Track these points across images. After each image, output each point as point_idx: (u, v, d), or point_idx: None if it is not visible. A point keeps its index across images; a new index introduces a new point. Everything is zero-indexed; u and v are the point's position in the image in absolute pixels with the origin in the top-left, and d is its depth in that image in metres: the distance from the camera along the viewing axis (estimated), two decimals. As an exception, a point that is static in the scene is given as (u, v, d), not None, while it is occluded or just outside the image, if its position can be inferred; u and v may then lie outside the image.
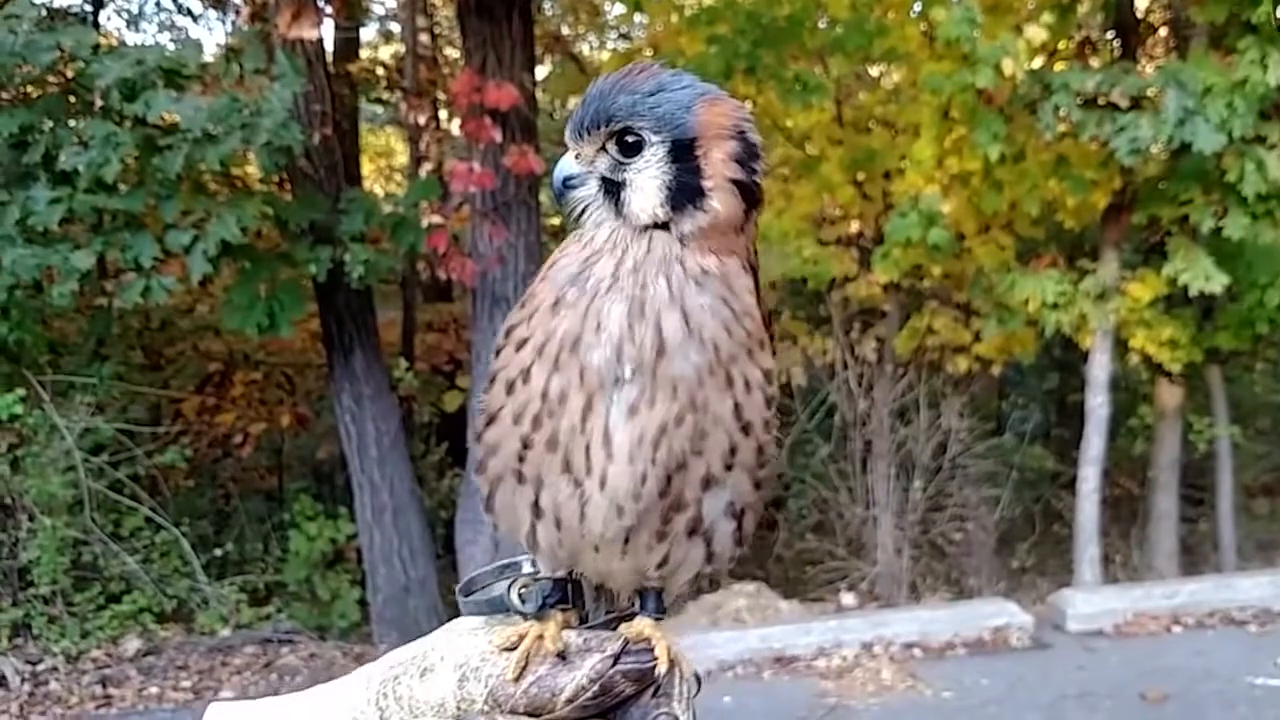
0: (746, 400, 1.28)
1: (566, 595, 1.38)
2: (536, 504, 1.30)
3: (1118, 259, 11.56)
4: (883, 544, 12.55)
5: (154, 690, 9.42)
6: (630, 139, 1.29)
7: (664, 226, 1.27)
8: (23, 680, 9.39)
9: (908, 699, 8.43)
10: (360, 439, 11.18)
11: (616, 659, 1.24)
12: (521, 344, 1.29)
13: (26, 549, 9.98)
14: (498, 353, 1.33)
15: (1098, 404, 11.78)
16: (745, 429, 1.28)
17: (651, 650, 1.26)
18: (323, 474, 15.06)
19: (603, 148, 1.31)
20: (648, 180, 1.28)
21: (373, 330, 11.51)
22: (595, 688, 1.23)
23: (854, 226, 13.67)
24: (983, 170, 10.72)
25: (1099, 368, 11.70)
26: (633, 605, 1.40)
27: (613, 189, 1.30)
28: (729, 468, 1.29)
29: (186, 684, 9.57)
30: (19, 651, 9.78)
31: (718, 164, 1.28)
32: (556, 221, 14.80)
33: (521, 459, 1.29)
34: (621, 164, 1.30)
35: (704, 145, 1.28)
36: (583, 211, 1.33)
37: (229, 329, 11.13)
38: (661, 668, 1.26)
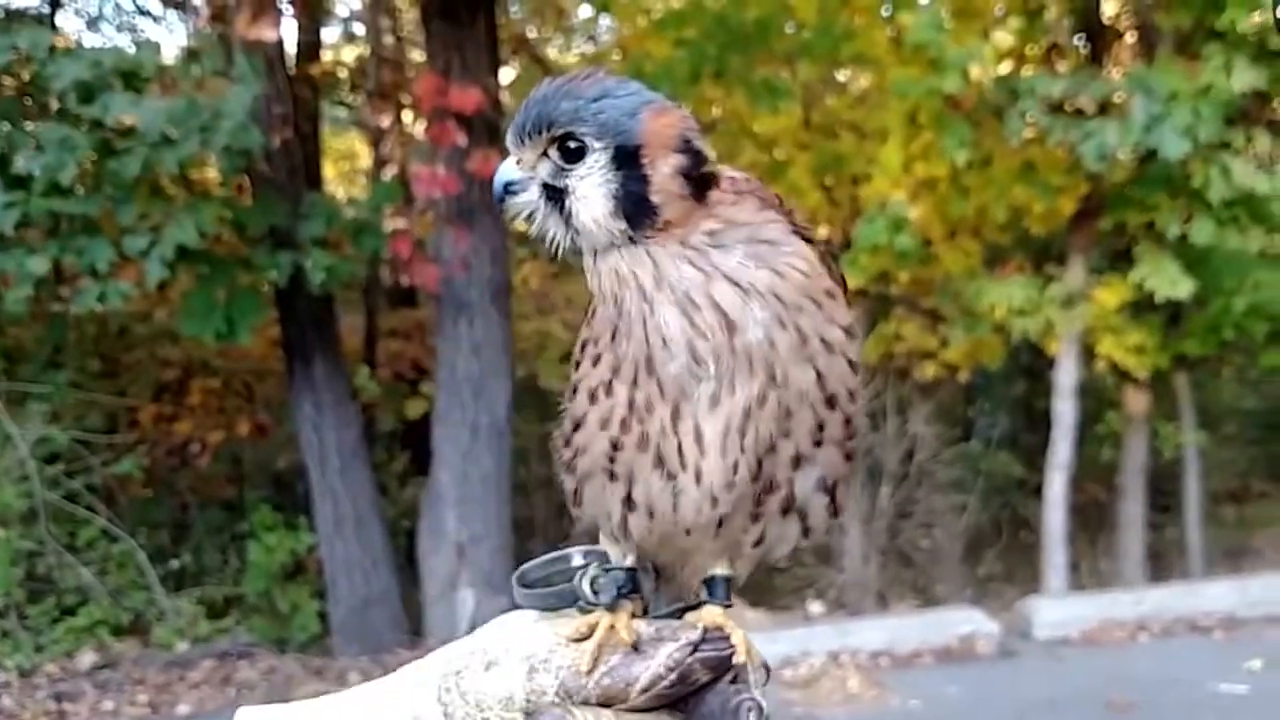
0: (829, 367, 1.27)
1: (637, 586, 1.38)
2: (629, 498, 1.32)
3: (1085, 265, 11.59)
4: (850, 552, 12.51)
5: (109, 705, 9.27)
6: (572, 145, 1.27)
7: (631, 239, 1.25)
8: (-25, 695, 9.21)
9: (875, 708, 8.40)
10: (321, 448, 11.03)
11: (695, 647, 1.25)
12: (597, 359, 1.30)
13: (-21, 561, 9.80)
14: (577, 365, 1.34)
15: (1065, 410, 11.79)
16: (830, 402, 1.28)
17: (728, 639, 1.28)
18: (283, 484, 14.85)
19: (544, 153, 1.29)
20: (591, 188, 1.26)
21: (334, 337, 11.39)
22: (673, 676, 1.24)
23: (822, 232, 13.64)
24: (950, 176, 10.73)
25: (1066, 374, 11.72)
26: (698, 595, 1.40)
27: (555, 196, 1.28)
28: (818, 444, 1.29)
29: (143, 699, 9.42)
30: (-29, 666, 9.60)
31: (665, 179, 1.25)
32: (523, 227, 14.71)
33: (612, 459, 1.31)
34: (563, 170, 1.28)
35: (650, 155, 1.25)
36: (527, 218, 1.32)
37: (187, 335, 10.93)
38: (740, 656, 1.27)
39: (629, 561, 1.38)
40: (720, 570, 1.38)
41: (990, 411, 17.93)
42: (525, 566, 1.49)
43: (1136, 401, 13.03)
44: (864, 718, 8.29)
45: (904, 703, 8.45)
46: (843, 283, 1.33)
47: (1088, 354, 12.02)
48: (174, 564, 11.50)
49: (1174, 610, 10.01)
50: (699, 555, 1.37)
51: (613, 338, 1.27)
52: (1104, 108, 10.06)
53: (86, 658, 9.91)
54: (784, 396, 1.24)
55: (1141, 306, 11.72)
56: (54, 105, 9.11)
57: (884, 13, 11.82)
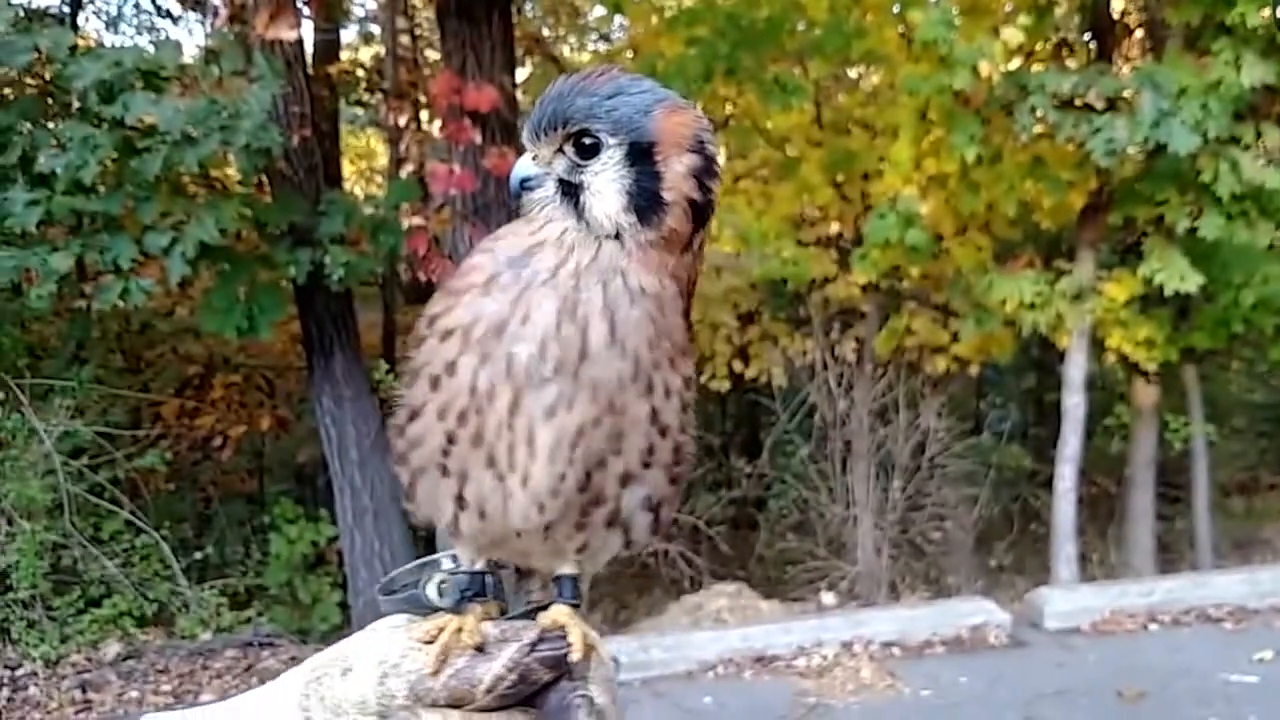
0: (664, 405, 1.30)
1: (484, 589, 1.39)
2: (460, 496, 1.32)
3: (1094, 259, 11.64)
4: (862, 544, 12.58)
5: (134, 695, 9.36)
6: (587, 141, 1.29)
7: (615, 236, 1.28)
8: (1, 685, 9.33)
9: (887, 697, 8.45)
10: (341, 441, 11.14)
11: (533, 647, 1.27)
12: (446, 334, 1.29)
13: (5, 553, 9.91)
14: (419, 344, 1.32)
15: (1074, 403, 11.84)
16: (663, 431, 1.31)
17: (566, 637, 1.29)
18: (303, 477, 15.00)
19: (560, 149, 1.31)
20: (606, 183, 1.28)
21: (353, 332, 11.47)
22: (513, 676, 1.25)
23: (833, 227, 13.72)
24: (960, 171, 10.77)
25: (1075, 367, 11.76)
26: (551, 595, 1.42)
27: (571, 191, 1.30)
28: (646, 465, 1.31)
29: (167, 688, 9.51)
30: (-3, 656, 9.73)
31: (677, 177, 1.28)
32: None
33: (446, 453, 1.31)
34: (579, 166, 1.30)
35: (663, 152, 1.28)
36: (540, 211, 1.33)
37: (208, 331, 11.06)
38: (576, 654, 1.28)
39: (479, 565, 1.40)
40: (568, 569, 1.40)
41: (1000, 405, 18.01)
42: (395, 573, 1.51)
43: (1146, 394, 13.07)
44: (876, 707, 8.33)
45: (916, 692, 8.49)
46: (692, 331, 1.38)
47: (1097, 347, 12.06)
48: (197, 556, 11.60)
49: (1184, 601, 10.02)
50: (535, 558, 1.41)
51: (488, 282, 1.28)
52: (1113, 103, 10.08)
53: (111, 648, 10.01)
54: (619, 423, 1.27)
55: (1151, 300, 11.78)
56: (75, 104, 9.14)
57: (894, 10, 11.88)
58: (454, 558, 1.45)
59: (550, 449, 1.26)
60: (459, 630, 1.29)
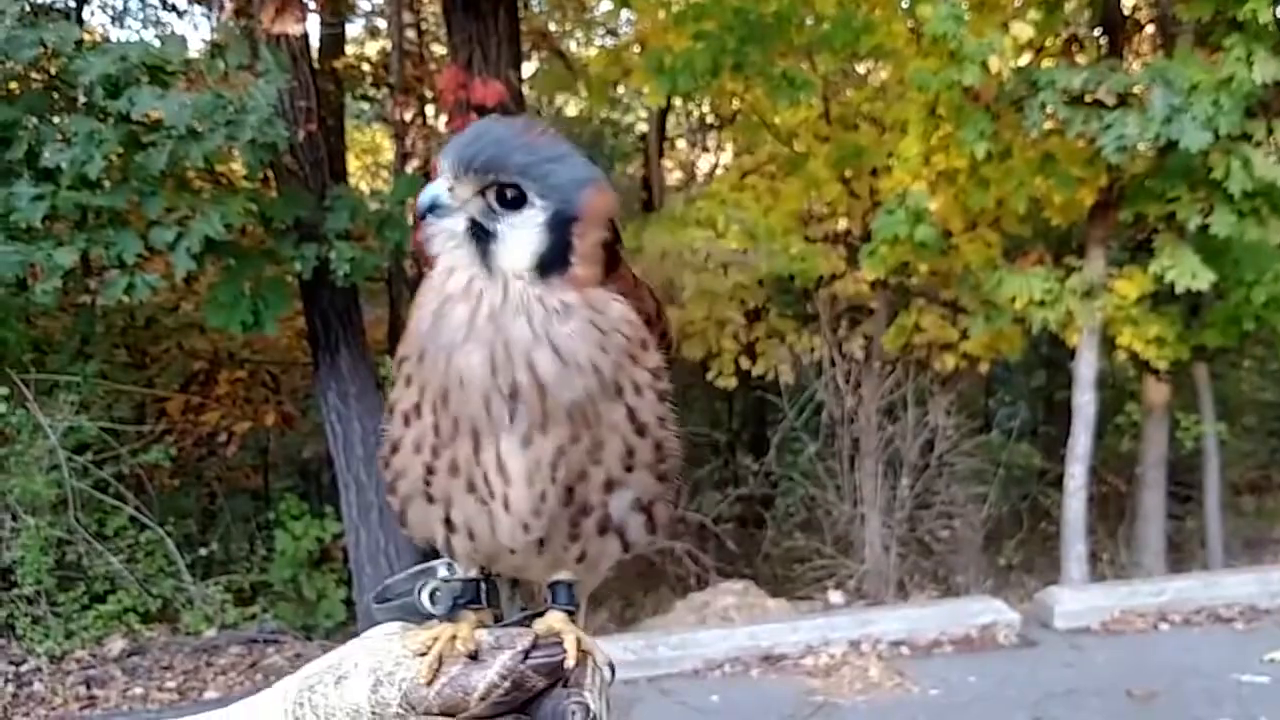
0: (639, 403, 1.31)
1: (479, 596, 1.40)
2: (448, 519, 1.34)
3: (1104, 256, 11.58)
4: (870, 542, 12.55)
5: (139, 691, 9.37)
6: (511, 194, 1.29)
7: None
8: (6, 681, 9.33)
9: (895, 697, 8.42)
10: (346, 437, 11.12)
11: (527, 654, 1.26)
12: (409, 380, 1.31)
13: (10, 549, 9.92)
14: (394, 383, 1.35)
15: (1085, 401, 11.78)
16: (640, 431, 1.31)
17: (561, 644, 1.28)
18: (308, 473, 15.01)
19: (481, 192, 1.30)
20: (519, 239, 1.28)
21: (359, 328, 11.46)
22: (507, 684, 1.25)
23: (841, 224, 13.68)
24: (969, 167, 10.73)
25: (1086, 365, 11.71)
26: (546, 601, 1.41)
27: (480, 235, 1.30)
28: (629, 469, 1.32)
29: (171, 684, 9.51)
30: (2, 652, 9.71)
31: (590, 247, 1.29)
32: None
33: (428, 482, 1.33)
34: (494, 213, 1.29)
35: (583, 229, 1.28)
36: (442, 242, 1.32)
37: (213, 327, 11.04)
38: (570, 661, 1.27)
39: (472, 573, 1.40)
40: (564, 575, 1.39)
41: (1010, 403, 17.97)
42: (389, 581, 1.50)
43: (1156, 392, 13.02)
44: (884, 706, 8.30)
45: (924, 691, 8.46)
46: (659, 315, 1.39)
47: (1108, 345, 12.02)
48: (202, 552, 11.63)
49: (1195, 601, 9.98)
50: (532, 570, 1.41)
51: (420, 358, 1.29)
52: (1124, 99, 10.03)
53: (116, 644, 10.01)
54: (596, 433, 1.28)
55: (1161, 298, 11.72)
56: (81, 99, 9.14)
57: (903, 5, 11.84)
58: (450, 565, 1.45)
59: (527, 475, 1.27)
60: (452, 638, 1.28)
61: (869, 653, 9.16)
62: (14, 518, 9.97)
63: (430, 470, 1.31)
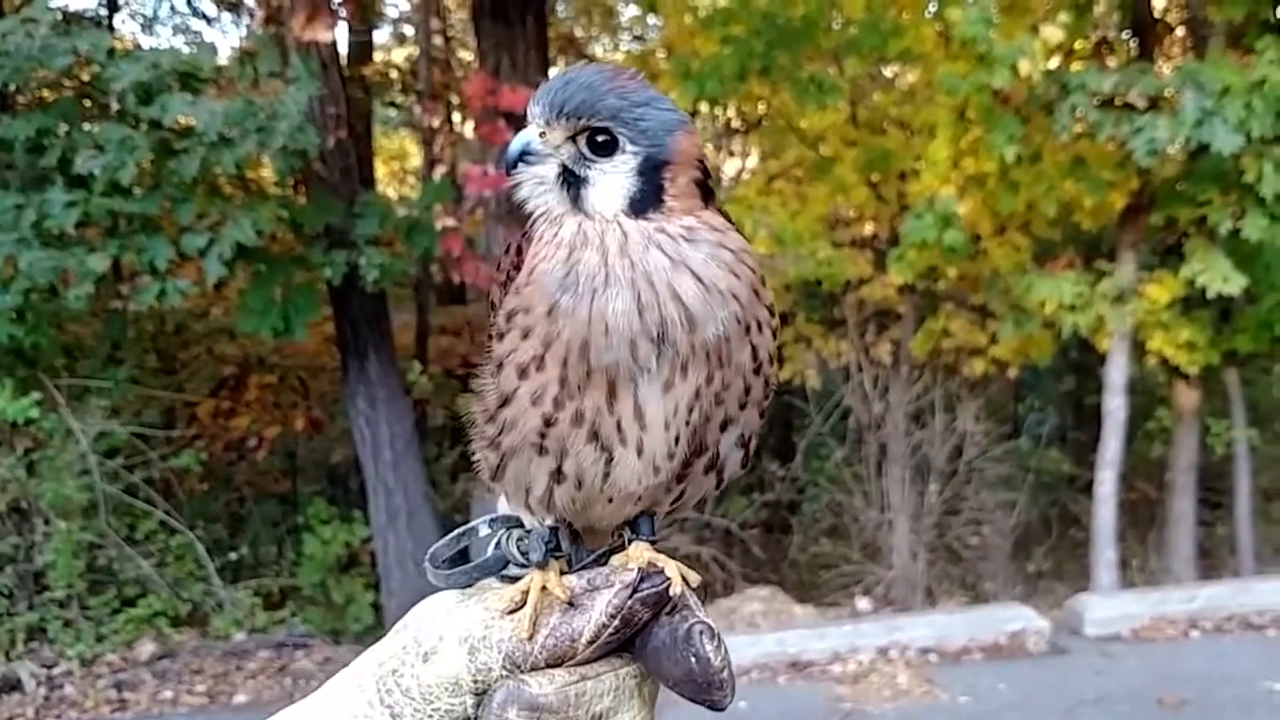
0: (760, 340, 1.30)
1: (559, 543, 1.37)
2: (559, 470, 1.30)
3: (1135, 260, 11.50)
4: (898, 548, 12.50)
5: (169, 694, 9.43)
6: (603, 139, 1.28)
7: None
8: (38, 684, 9.40)
9: (924, 704, 8.39)
10: (374, 442, 11.17)
11: (634, 589, 1.24)
12: (527, 333, 1.26)
13: (42, 553, 10.00)
14: (501, 336, 1.30)
15: (1115, 407, 11.71)
16: (757, 370, 1.31)
17: (663, 573, 1.27)
18: (337, 477, 15.06)
19: (572, 138, 1.29)
20: (611, 184, 1.27)
21: (387, 334, 11.51)
22: (616, 622, 1.23)
23: (869, 228, 13.64)
24: (999, 171, 10.67)
25: (1116, 370, 11.64)
26: (620, 536, 1.39)
27: (570, 181, 1.29)
28: (743, 406, 1.32)
29: (201, 688, 9.56)
30: (34, 655, 9.79)
31: (681, 187, 1.28)
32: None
33: (543, 435, 1.28)
34: (587, 160, 1.29)
35: (674, 173, 1.28)
36: (531, 189, 1.31)
37: (243, 332, 11.12)
38: (677, 587, 1.26)
39: (549, 521, 1.37)
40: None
41: (1039, 408, 17.80)
42: (434, 547, 1.46)
43: (1187, 398, 12.92)
44: (913, 713, 8.28)
45: (953, 699, 8.44)
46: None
47: (1138, 350, 11.93)
48: (231, 556, 11.70)
49: (1226, 608, 9.91)
50: (614, 517, 1.38)
51: (550, 312, 1.24)
52: (1154, 102, 9.97)
53: (146, 647, 10.08)
54: (727, 375, 1.27)
55: (1192, 302, 11.63)
56: (114, 106, 9.23)
57: (931, 8, 11.79)
58: (491, 522, 1.45)
59: (665, 418, 1.26)
60: (543, 588, 1.27)
61: (897, 660, 9.13)
62: (46, 522, 10.06)
63: (549, 422, 1.27)
